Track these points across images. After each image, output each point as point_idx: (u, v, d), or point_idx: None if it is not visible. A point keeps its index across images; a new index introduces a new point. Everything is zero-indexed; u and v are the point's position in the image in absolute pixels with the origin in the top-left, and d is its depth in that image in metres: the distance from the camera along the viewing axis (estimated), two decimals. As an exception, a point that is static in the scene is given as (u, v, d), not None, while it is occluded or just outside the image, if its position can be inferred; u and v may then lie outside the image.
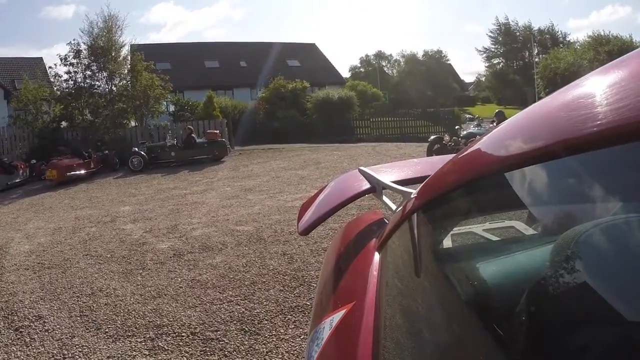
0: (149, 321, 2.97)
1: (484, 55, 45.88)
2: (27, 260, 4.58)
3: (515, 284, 0.66)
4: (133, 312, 3.14)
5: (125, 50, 15.54)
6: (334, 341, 0.91)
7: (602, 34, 29.37)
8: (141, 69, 14.83)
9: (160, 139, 13.61)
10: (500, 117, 10.72)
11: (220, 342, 2.64)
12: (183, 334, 2.76)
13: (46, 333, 2.91)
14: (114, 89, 15.07)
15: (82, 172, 10.85)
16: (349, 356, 0.83)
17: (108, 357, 2.56)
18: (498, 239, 1.03)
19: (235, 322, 2.88)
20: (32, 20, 72.29)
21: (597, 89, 0.44)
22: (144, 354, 2.56)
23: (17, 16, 70.50)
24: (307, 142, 15.59)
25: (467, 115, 22.25)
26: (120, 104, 14.78)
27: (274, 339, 2.63)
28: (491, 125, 12.64)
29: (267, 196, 6.99)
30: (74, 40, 14.74)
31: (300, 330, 2.71)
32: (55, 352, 2.66)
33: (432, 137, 11.15)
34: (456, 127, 14.71)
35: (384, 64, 50.67)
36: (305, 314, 2.91)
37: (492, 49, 45.20)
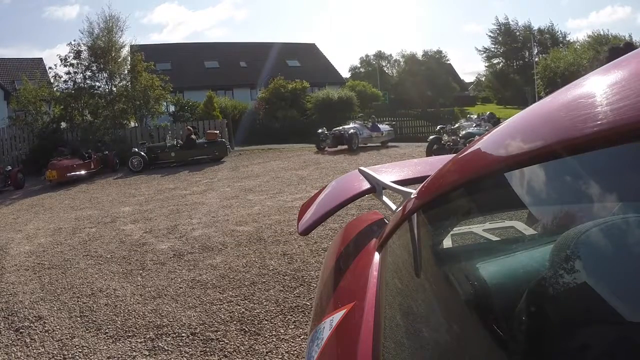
0: (149, 321, 2.97)
1: (484, 55, 45.89)
2: (27, 261, 4.58)
3: (515, 284, 0.66)
4: (133, 312, 3.14)
5: (125, 51, 15.58)
6: (334, 341, 0.91)
7: (602, 33, 29.40)
8: (141, 70, 14.85)
9: (160, 140, 13.61)
10: (492, 119, 10.85)
11: (220, 343, 2.64)
12: (183, 334, 2.76)
13: (46, 333, 2.91)
14: (114, 89, 15.08)
15: (82, 172, 10.85)
16: (349, 356, 0.83)
17: (108, 358, 2.56)
18: (498, 239, 1.03)
19: (235, 322, 2.88)
20: (35, 20, 72.14)
21: (597, 89, 0.44)
22: (144, 355, 2.56)
23: (20, 16, 70.43)
24: (307, 142, 15.58)
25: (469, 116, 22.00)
26: (120, 104, 14.80)
27: (274, 339, 2.63)
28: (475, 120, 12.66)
29: (267, 196, 6.99)
30: (74, 40, 14.77)
31: (300, 330, 2.71)
32: (55, 352, 2.66)
33: (431, 137, 11.18)
34: (439, 126, 14.58)
35: (383, 64, 50.66)
36: (305, 314, 2.91)
37: (492, 49, 45.19)
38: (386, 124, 15.73)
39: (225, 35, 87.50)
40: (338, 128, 13.38)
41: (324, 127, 13.68)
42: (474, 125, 12.59)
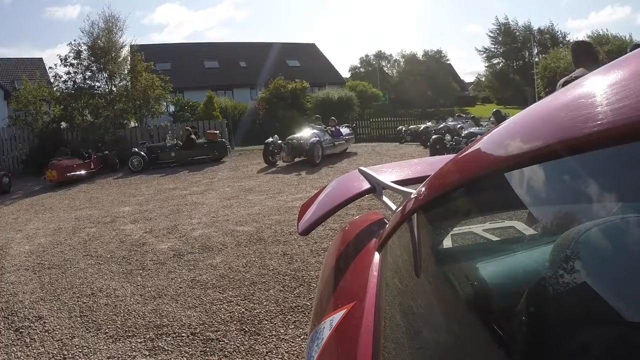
0: (149, 321, 2.97)
1: (484, 55, 45.91)
2: (27, 261, 4.57)
3: (515, 284, 0.66)
4: (133, 312, 3.14)
5: (125, 51, 15.57)
6: (334, 341, 0.91)
7: (602, 33, 29.38)
8: (141, 70, 14.85)
9: (160, 140, 13.62)
10: (498, 117, 10.77)
11: (220, 343, 2.64)
12: (183, 334, 2.76)
13: (46, 333, 2.91)
14: (114, 89, 15.08)
15: (82, 172, 10.85)
16: (349, 356, 0.83)
17: (108, 358, 2.56)
18: (498, 239, 1.03)
19: (235, 322, 2.88)
20: (36, 20, 72.20)
21: (597, 89, 0.44)
22: (144, 354, 2.56)
23: (21, 16, 70.48)
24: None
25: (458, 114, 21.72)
26: (121, 104, 14.81)
27: (274, 339, 2.63)
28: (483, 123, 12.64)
29: (267, 196, 6.99)
30: (74, 40, 14.77)
31: (300, 330, 2.71)
32: (55, 352, 2.66)
33: (434, 137, 11.21)
34: (402, 127, 14.39)
35: (384, 64, 50.70)
36: (305, 314, 2.91)
37: (492, 49, 45.21)
38: (345, 127, 13.03)
39: (225, 35, 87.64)
40: (295, 136, 10.79)
41: (275, 134, 11.36)
42: (458, 125, 12.64)
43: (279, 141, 10.86)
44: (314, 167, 9.79)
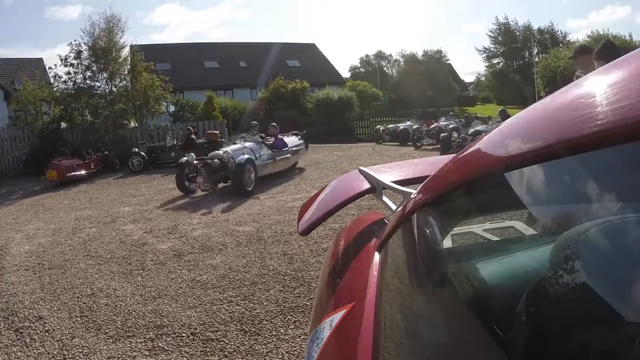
0: (149, 322, 2.97)
1: (484, 55, 45.82)
2: (27, 261, 4.57)
3: (515, 284, 0.66)
4: (133, 312, 3.14)
5: (125, 51, 15.57)
6: (334, 341, 0.91)
7: (602, 33, 29.39)
8: (141, 70, 14.84)
9: (160, 140, 13.62)
10: (504, 115, 10.80)
11: (221, 343, 2.64)
12: (183, 335, 2.76)
13: (46, 334, 2.91)
14: (114, 89, 15.08)
15: (82, 172, 10.84)
16: (349, 356, 0.83)
17: (108, 358, 2.56)
18: (498, 239, 1.03)
19: (235, 322, 2.88)
20: (37, 20, 72.05)
21: (597, 89, 0.44)
22: (144, 355, 2.56)
23: (21, 16, 70.41)
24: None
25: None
26: (121, 104, 14.79)
27: (274, 340, 2.63)
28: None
29: (267, 196, 6.99)
30: (74, 40, 14.75)
31: (301, 330, 2.71)
32: (55, 352, 2.66)
33: (443, 135, 11.26)
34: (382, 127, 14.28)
35: (383, 64, 50.68)
36: (305, 314, 2.91)
37: (492, 49, 45.13)
38: (292, 134, 10.09)
39: (225, 35, 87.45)
40: (217, 153, 7.73)
41: (190, 152, 8.23)
42: (450, 125, 12.69)
43: (195, 161, 7.67)
44: (244, 198, 6.85)
